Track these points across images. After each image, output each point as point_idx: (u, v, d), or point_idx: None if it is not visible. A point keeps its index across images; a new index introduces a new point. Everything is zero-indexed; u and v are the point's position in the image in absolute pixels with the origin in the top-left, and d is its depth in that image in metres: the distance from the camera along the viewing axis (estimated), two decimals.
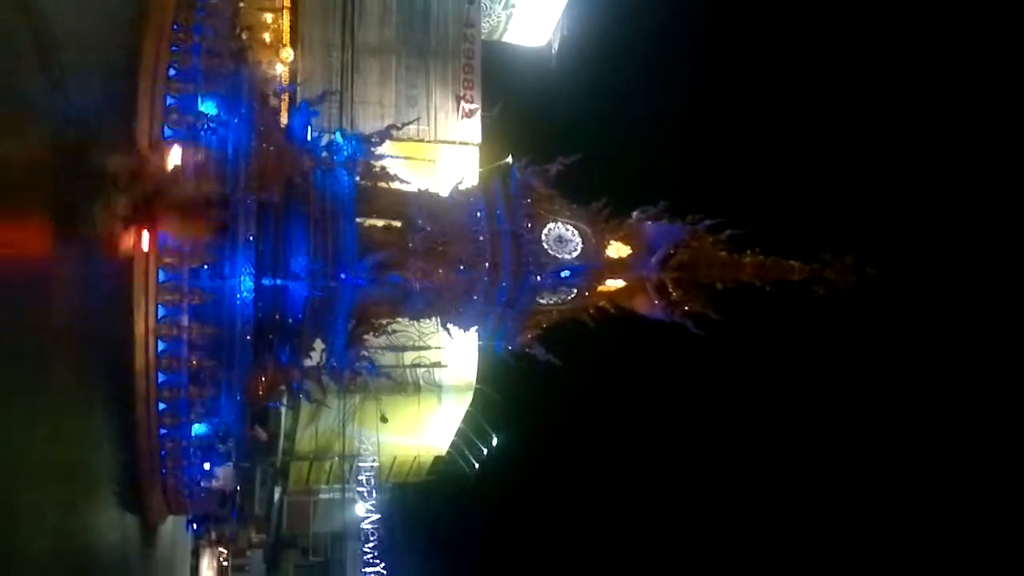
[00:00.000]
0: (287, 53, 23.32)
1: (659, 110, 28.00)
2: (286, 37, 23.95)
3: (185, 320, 8.92)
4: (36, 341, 6.92)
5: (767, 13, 27.39)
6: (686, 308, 12.91)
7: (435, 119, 24.72)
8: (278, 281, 10.41)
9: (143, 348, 8.71)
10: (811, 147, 26.71)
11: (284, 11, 23.95)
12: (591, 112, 28.62)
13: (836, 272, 13.04)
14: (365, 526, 25.26)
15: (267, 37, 23.76)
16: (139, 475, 9.30)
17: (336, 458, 24.46)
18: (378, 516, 25.22)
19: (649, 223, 13.34)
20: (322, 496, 26.21)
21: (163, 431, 9.15)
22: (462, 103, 25.07)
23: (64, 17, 6.74)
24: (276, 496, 25.54)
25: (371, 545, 25.08)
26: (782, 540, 27.14)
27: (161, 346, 8.83)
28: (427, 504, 27.62)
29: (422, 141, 23.44)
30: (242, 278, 9.75)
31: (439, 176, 22.50)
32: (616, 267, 12.90)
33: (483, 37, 27.21)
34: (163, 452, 9.31)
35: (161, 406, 9.02)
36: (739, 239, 13.41)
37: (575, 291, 12.71)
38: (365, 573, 25.38)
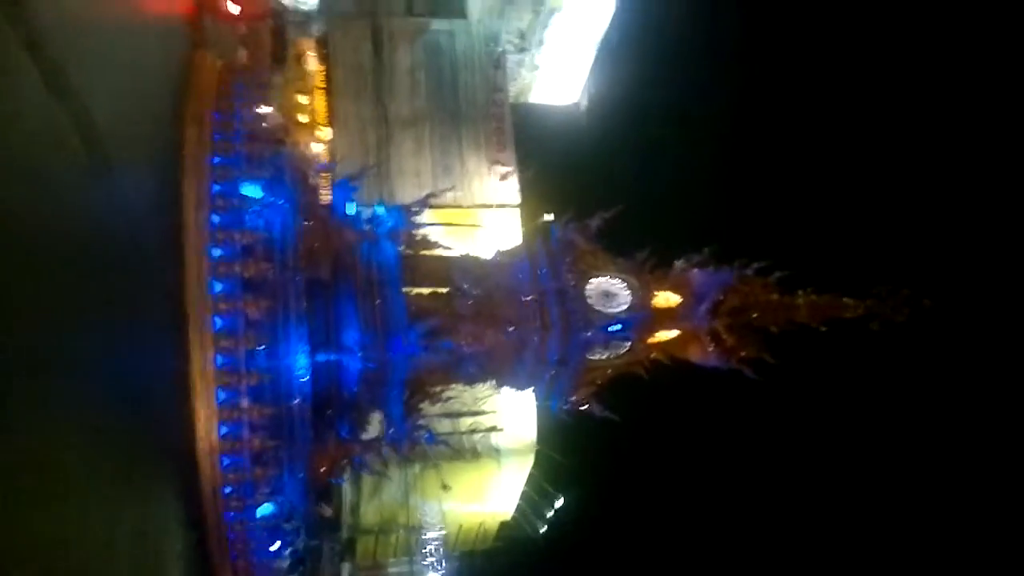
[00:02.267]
0: (324, 132, 23.96)
1: (694, 157, 28.10)
2: (321, 116, 24.63)
3: (245, 402, 8.99)
4: (96, 424, 7.01)
5: (799, 55, 27.50)
6: (741, 354, 12.72)
7: (471, 184, 25.07)
8: (332, 356, 10.49)
9: (206, 433, 8.78)
10: (849, 183, 26.49)
11: (318, 92, 24.67)
12: (626, 164, 28.86)
13: (891, 306, 12.83)
14: None
15: (303, 118, 24.46)
16: (209, 559, 9.30)
17: (401, 530, 24.23)
18: None
19: (695, 270, 13.23)
20: (391, 570, 25.91)
21: (230, 514, 9.15)
22: (496, 166, 25.40)
23: (104, 105, 6.97)
24: (345, 572, 25.31)
25: None
26: None
27: (223, 429, 8.89)
28: (496, 571, 27.12)
29: (460, 207, 23.72)
30: (297, 356, 9.84)
31: (482, 239, 22.70)
32: (666, 317, 12.76)
33: (511, 100, 27.69)
34: (231, 535, 9.30)
35: (227, 489, 9.04)
36: (788, 280, 13.26)
37: (627, 345, 12.59)
38: None
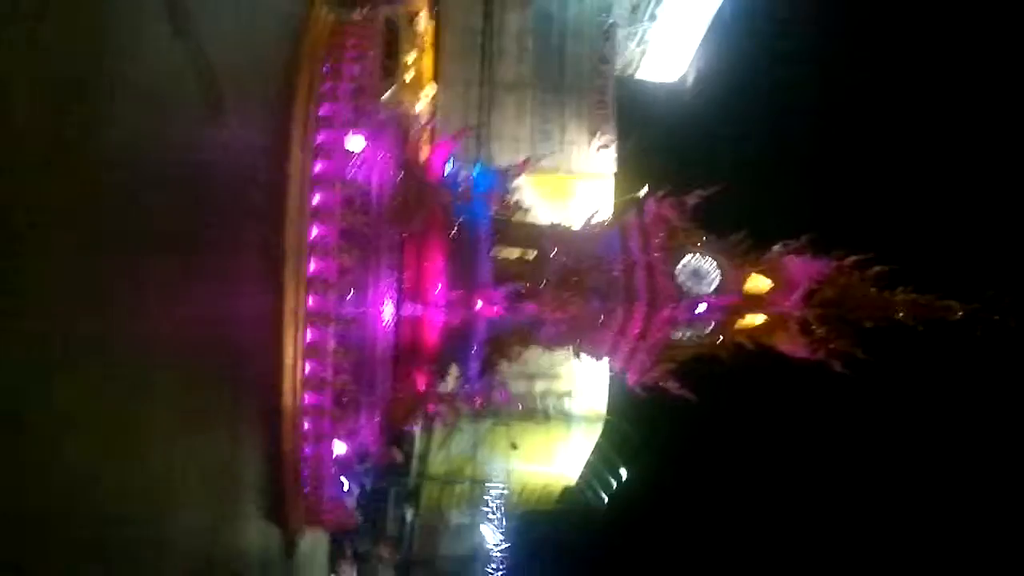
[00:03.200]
0: (428, 89, 24.23)
1: (798, 141, 27.20)
2: (427, 74, 24.90)
3: (331, 344, 9.32)
4: (192, 362, 7.42)
5: (921, 38, 26.17)
6: (831, 346, 12.39)
7: (570, 152, 24.99)
8: (417, 309, 10.74)
9: (292, 370, 9.16)
10: (965, 178, 25.18)
11: (427, 51, 24.92)
12: (728, 144, 28.15)
13: (996, 312, 12.25)
14: (493, 552, 25.39)
15: (409, 76, 24.77)
16: (283, 490, 9.74)
17: (467, 482, 24.78)
18: (506, 543, 25.29)
19: (792, 257, 12.92)
20: (452, 520, 26.56)
21: (307, 449, 9.55)
22: (596, 136, 25.24)
23: (221, 48, 7.25)
24: (408, 517, 26.07)
25: (500, 571, 25.18)
26: None
27: (308, 368, 9.25)
28: (555, 533, 27.47)
29: (557, 172, 23.71)
30: (384, 305, 10.12)
31: (574, 208, 22.67)
32: (756, 302, 12.52)
33: (617, 73, 27.36)
34: (305, 470, 9.72)
35: (306, 426, 9.43)
36: (887, 276, 12.80)
37: (712, 325, 12.43)
38: None
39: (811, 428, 25.35)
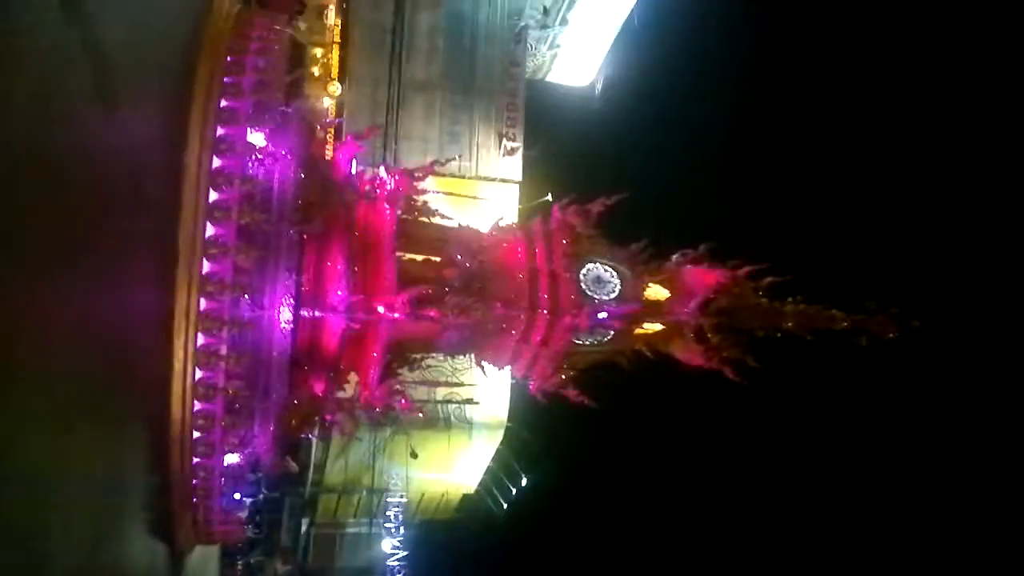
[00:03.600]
0: (335, 87, 23.76)
1: (702, 151, 27.97)
2: (334, 71, 24.42)
3: (224, 348, 8.96)
4: (74, 363, 7.02)
5: (819, 52, 27.25)
6: (724, 354, 12.75)
7: (477, 156, 24.99)
8: (316, 313, 10.47)
9: (181, 376, 8.76)
10: (858, 191, 26.38)
11: (334, 46, 24.44)
12: (633, 152, 28.72)
13: (879, 323, 12.86)
14: (391, 562, 25.10)
15: (316, 71, 24.25)
16: (170, 502, 9.31)
17: (364, 492, 24.39)
18: (404, 553, 25.05)
19: (689, 267, 13.25)
20: (349, 530, 26.11)
21: (196, 460, 9.16)
22: (504, 141, 25.30)
23: (120, 40, 6.88)
24: (303, 528, 25.48)
25: None
26: None
27: (199, 374, 8.87)
28: (454, 542, 27.35)
29: (464, 177, 23.65)
30: (281, 308, 9.82)
31: (479, 212, 22.64)
32: (654, 310, 12.78)
33: (528, 76, 27.51)
34: (195, 481, 9.32)
35: (195, 434, 9.04)
36: (780, 286, 13.27)
37: (612, 333, 12.62)
38: None
39: (706, 433, 26.08)
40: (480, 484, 25.80)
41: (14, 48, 5.03)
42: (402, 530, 24.89)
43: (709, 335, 12.70)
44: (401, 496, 24.64)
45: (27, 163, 5.34)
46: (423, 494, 25.34)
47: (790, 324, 12.97)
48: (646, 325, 12.86)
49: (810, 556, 26.64)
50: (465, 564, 28.10)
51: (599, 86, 31.16)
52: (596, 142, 29.03)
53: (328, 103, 23.95)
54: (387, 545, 25.00)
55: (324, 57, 24.45)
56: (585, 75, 31.29)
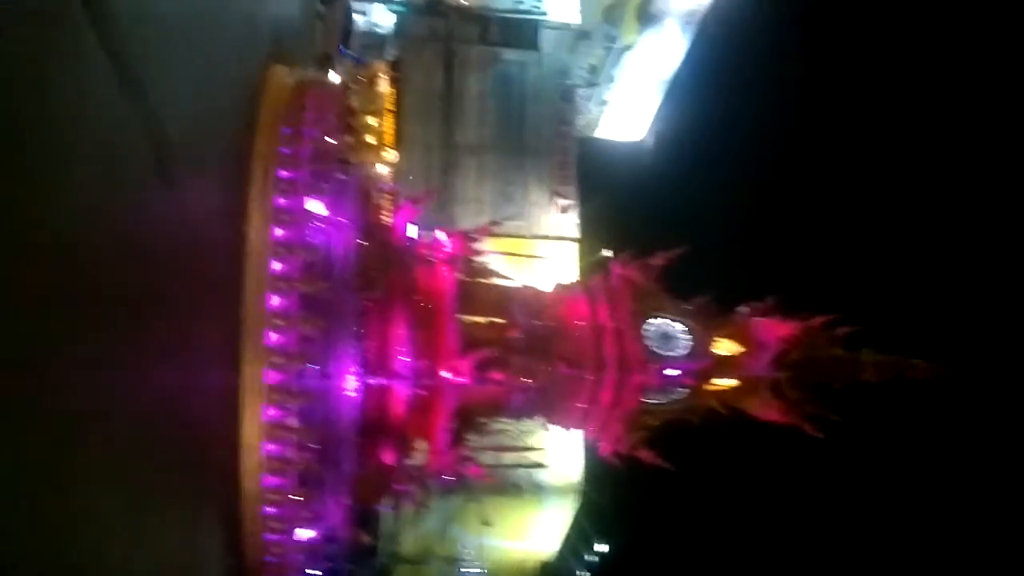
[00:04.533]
0: (390, 154, 24.08)
1: (761, 201, 27.50)
2: (389, 138, 24.79)
3: (293, 421, 8.82)
4: (144, 442, 6.92)
5: (877, 100, 26.81)
6: (803, 409, 12.22)
7: (532, 215, 24.97)
8: (382, 380, 10.30)
9: (252, 451, 8.62)
10: (926, 236, 25.55)
11: (387, 114, 24.86)
12: (690, 203, 28.37)
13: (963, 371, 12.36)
14: None
15: (371, 139, 24.63)
16: None
17: (439, 562, 23.84)
18: None
19: (759, 319, 12.81)
20: None
21: (269, 535, 8.95)
22: (558, 199, 25.27)
23: (178, 116, 6.92)
24: None
25: None
26: None
27: (269, 448, 8.72)
28: None
29: (520, 237, 23.58)
30: (348, 377, 9.67)
31: (538, 271, 22.51)
32: (726, 365, 12.32)
33: (577, 133, 27.61)
34: (269, 557, 9.10)
35: (268, 510, 8.85)
36: (853, 336, 12.74)
37: (683, 391, 12.17)
38: None
39: (787, 487, 25.00)
40: (559, 551, 25.02)
41: (77, 132, 5.03)
42: None
43: (786, 390, 12.23)
44: (477, 565, 24.01)
45: (90, 245, 5.31)
46: (499, 563, 24.64)
47: (869, 374, 12.46)
48: (718, 381, 12.41)
49: None
50: None
51: (650, 140, 31.12)
52: (650, 195, 28.81)
53: (383, 169, 24.27)
54: None
55: (378, 125, 24.85)
56: (635, 130, 31.30)
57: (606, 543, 24.23)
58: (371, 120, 24.34)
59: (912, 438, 22.57)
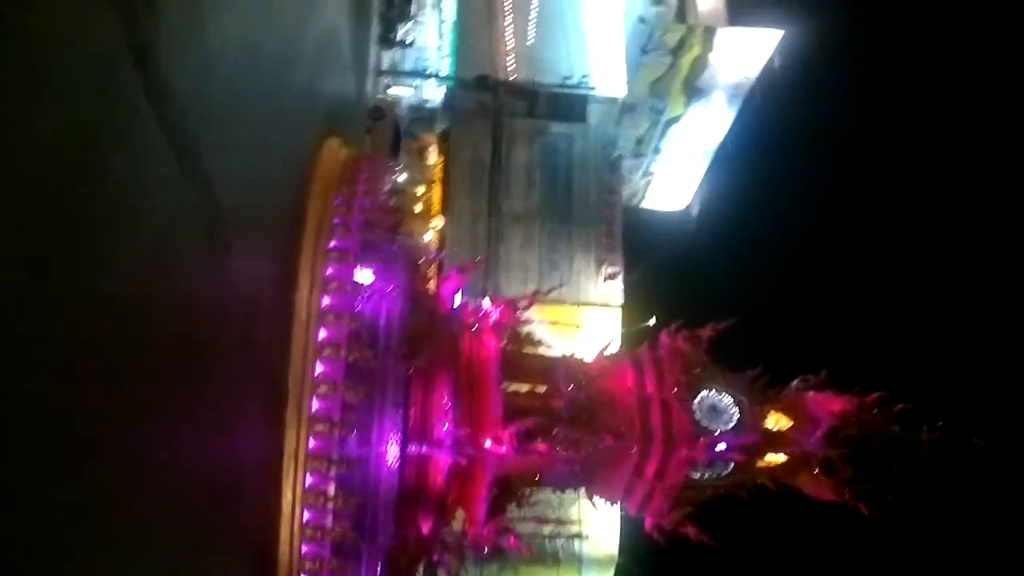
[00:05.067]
0: (436, 221, 24.45)
1: (809, 270, 27.13)
2: (436, 207, 25.21)
3: (331, 488, 8.78)
4: (182, 506, 6.92)
5: (923, 170, 26.53)
6: (856, 488, 11.79)
7: (577, 282, 24.96)
8: (423, 448, 10.24)
9: (289, 518, 8.59)
10: (987, 313, 24.84)
11: (435, 184, 25.34)
12: (736, 274, 28.14)
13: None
14: None
15: (418, 207, 25.09)
16: None
17: None
18: None
19: (811, 393, 12.50)
20: None
21: None
22: (604, 267, 25.27)
23: (233, 186, 7.10)
24: None
25: None
26: None
27: (306, 515, 8.67)
28: None
29: (565, 304, 23.53)
30: (388, 445, 9.64)
31: (582, 338, 22.40)
32: (776, 441, 11.99)
33: (623, 203, 27.73)
34: None
35: None
36: (908, 413, 12.35)
37: (731, 465, 11.86)
38: None
39: (830, 560, 23.98)
40: None
41: (134, 208, 5.18)
42: None
43: (839, 467, 11.84)
44: None
45: (141, 314, 5.41)
46: None
47: (927, 453, 12.03)
48: (769, 456, 12.07)
49: None
50: None
51: (695, 210, 31.14)
52: (695, 265, 28.69)
53: (430, 237, 24.63)
54: None
55: (425, 194, 25.34)
56: (680, 200, 31.37)
57: None
58: (419, 190, 24.88)
59: (972, 514, 21.55)
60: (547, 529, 21.50)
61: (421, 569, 12.11)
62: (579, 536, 22.16)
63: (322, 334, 9.16)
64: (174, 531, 6.64)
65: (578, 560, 22.92)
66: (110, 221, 4.85)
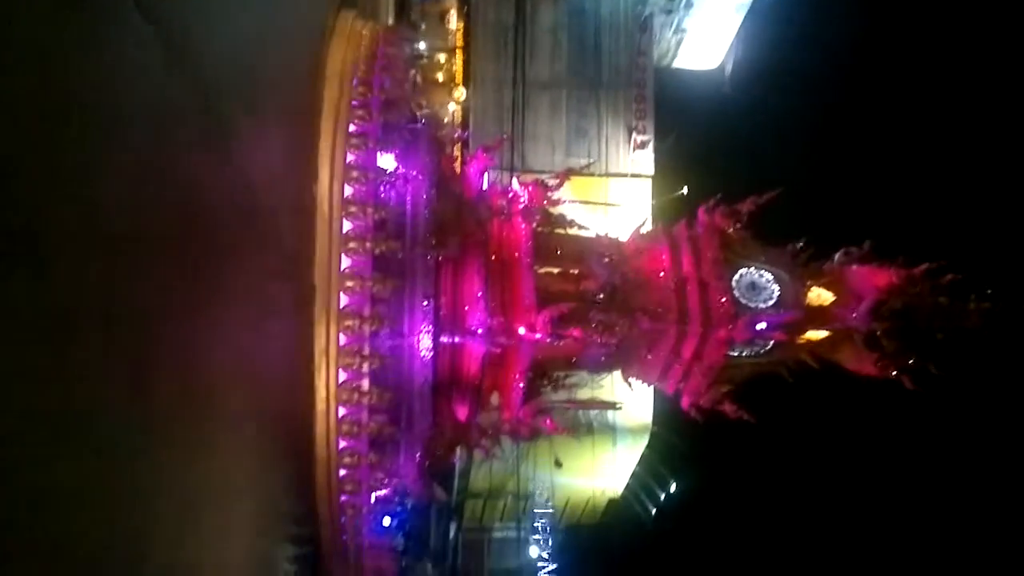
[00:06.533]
0: (460, 92, 23.51)
1: (853, 133, 25.78)
2: (458, 76, 24.18)
3: (365, 384, 8.63)
4: (216, 408, 6.82)
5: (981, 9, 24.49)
6: (901, 362, 11.50)
7: (606, 152, 24.16)
8: (456, 338, 10.03)
9: (324, 415, 8.49)
10: None
11: (457, 51, 24.20)
12: (772, 137, 26.92)
13: None
14: (540, 566, 24.88)
15: (440, 76, 24.09)
16: (320, 541, 9.11)
17: (510, 497, 24.16)
18: (552, 558, 24.74)
19: (855, 267, 12.03)
20: (496, 534, 25.98)
21: (344, 497, 8.89)
22: (634, 134, 24.36)
23: (229, 77, 6.53)
24: (451, 532, 25.56)
25: None
26: None
27: (342, 411, 8.58)
28: (602, 546, 26.66)
29: (594, 175, 22.85)
30: (421, 337, 9.43)
31: (612, 211, 21.93)
32: (819, 317, 11.63)
33: (654, 64, 26.43)
34: (343, 518, 9.06)
35: (342, 472, 8.76)
36: (957, 284, 11.86)
37: (771, 343, 11.57)
38: None
39: (867, 435, 24.14)
40: (626, 489, 25.07)
41: (119, 107, 4.70)
42: (549, 535, 24.58)
43: (883, 341, 11.51)
44: (548, 502, 24.27)
45: (147, 203, 5.04)
46: (568, 499, 24.89)
47: (975, 324, 11.64)
48: (810, 333, 11.75)
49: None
50: (613, 569, 27.37)
51: (728, 68, 29.59)
52: (730, 128, 27.43)
53: (453, 108, 23.75)
54: (534, 551, 24.83)
55: (448, 63, 24.25)
56: (713, 58, 29.80)
57: (674, 481, 24.06)
58: (441, 57, 23.80)
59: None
60: (582, 398, 21.73)
61: (462, 452, 12.23)
62: (615, 406, 22.42)
63: (346, 226, 8.76)
64: (209, 418, 6.54)
65: (612, 429, 23.34)
66: (95, 121, 4.40)
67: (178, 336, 5.80)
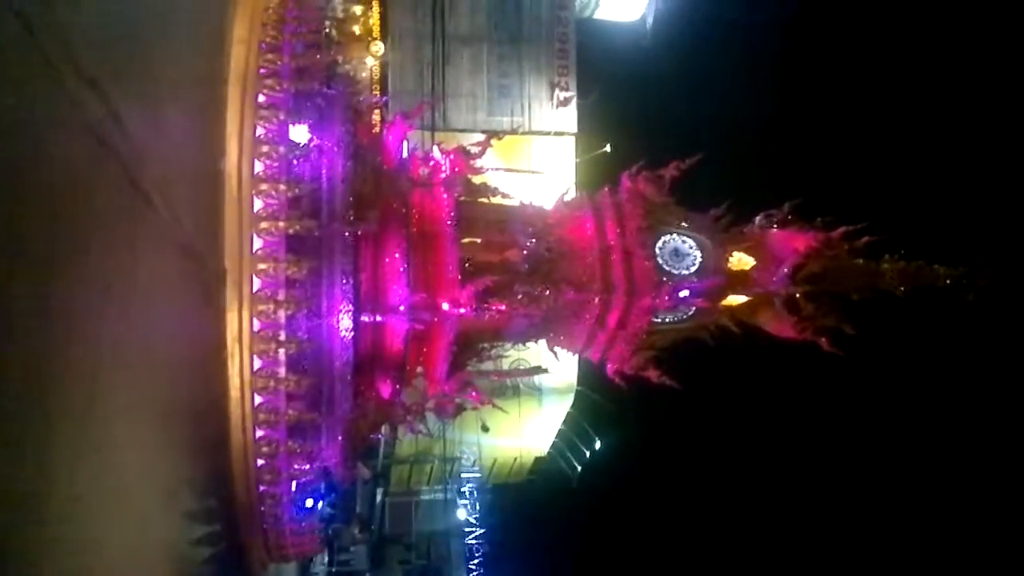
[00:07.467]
0: (377, 47, 22.67)
1: (771, 88, 25.84)
2: (375, 30, 23.29)
3: (282, 371, 8.29)
4: (126, 398, 6.45)
5: None
6: (819, 324, 11.74)
7: (529, 109, 23.73)
8: (378, 317, 9.72)
9: (239, 403, 8.12)
10: (950, 137, 24.05)
11: (374, 3, 23.28)
12: (692, 92, 26.89)
13: (987, 276, 11.88)
14: (468, 527, 25.07)
15: (356, 29, 23.18)
16: (239, 533, 8.81)
17: (436, 461, 24.12)
18: (480, 518, 24.93)
19: (774, 230, 12.15)
20: (423, 497, 25.98)
21: (262, 488, 8.59)
22: (557, 91, 23.97)
23: (111, 46, 6.01)
24: (378, 497, 25.41)
25: (474, 545, 24.92)
26: None
27: (258, 400, 8.22)
28: (529, 504, 27.00)
29: (516, 133, 22.44)
30: (340, 317, 9.08)
31: (536, 169, 21.64)
32: (740, 281, 11.74)
33: (575, 16, 25.94)
34: (262, 508, 8.76)
35: (259, 462, 8.44)
36: (874, 245, 12.12)
37: (694, 309, 11.64)
38: (469, 570, 25.29)
39: (787, 397, 24.76)
40: (552, 447, 25.33)
41: None
42: (476, 495, 24.79)
43: (801, 304, 11.71)
44: (474, 465, 24.34)
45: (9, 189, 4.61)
46: (495, 460, 24.98)
47: (889, 284, 11.96)
48: (732, 297, 11.86)
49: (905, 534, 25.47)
50: (540, 526, 27.82)
51: (650, 20, 29.25)
52: (652, 83, 27.24)
53: (372, 64, 22.91)
54: (462, 514, 24.98)
55: (364, 15, 23.31)
56: (635, 8, 29.39)
57: (598, 439, 24.45)
58: (357, 10, 22.86)
59: (934, 352, 21.91)
60: (507, 363, 21.69)
61: (384, 430, 12.00)
62: (541, 370, 22.47)
63: (258, 205, 8.30)
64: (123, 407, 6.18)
65: (538, 391, 23.41)
66: None
67: (72, 322, 5.39)
